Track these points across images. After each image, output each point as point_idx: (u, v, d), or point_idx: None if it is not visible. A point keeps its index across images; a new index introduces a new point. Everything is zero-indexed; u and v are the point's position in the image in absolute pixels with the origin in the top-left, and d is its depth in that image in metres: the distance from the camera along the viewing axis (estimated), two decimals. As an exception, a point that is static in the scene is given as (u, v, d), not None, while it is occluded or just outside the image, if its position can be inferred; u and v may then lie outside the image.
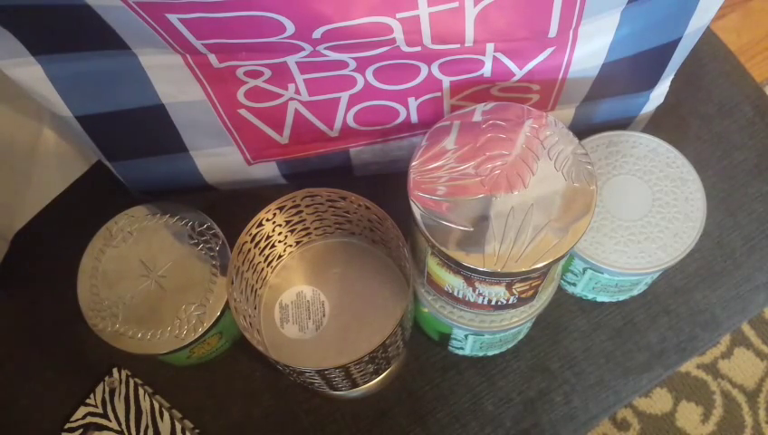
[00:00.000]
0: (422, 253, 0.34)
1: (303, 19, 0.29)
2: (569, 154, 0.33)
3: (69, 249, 0.40)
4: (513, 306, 0.35)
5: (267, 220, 0.36)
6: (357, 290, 0.38)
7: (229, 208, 0.40)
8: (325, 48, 0.32)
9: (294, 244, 0.40)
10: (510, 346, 0.44)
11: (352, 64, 0.34)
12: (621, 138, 0.42)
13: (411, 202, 0.31)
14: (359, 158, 0.42)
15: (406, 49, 0.32)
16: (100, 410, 0.42)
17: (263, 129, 0.39)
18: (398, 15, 0.30)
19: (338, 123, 0.39)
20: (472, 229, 0.31)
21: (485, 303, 0.34)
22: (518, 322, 0.38)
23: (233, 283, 0.34)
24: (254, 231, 0.36)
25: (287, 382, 0.44)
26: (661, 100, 0.44)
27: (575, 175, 0.32)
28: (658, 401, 0.90)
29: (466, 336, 0.40)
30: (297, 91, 0.36)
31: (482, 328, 0.38)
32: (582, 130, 0.40)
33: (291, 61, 0.33)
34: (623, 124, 0.45)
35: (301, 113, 0.38)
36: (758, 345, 0.92)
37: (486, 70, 0.35)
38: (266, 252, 0.38)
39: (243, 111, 0.37)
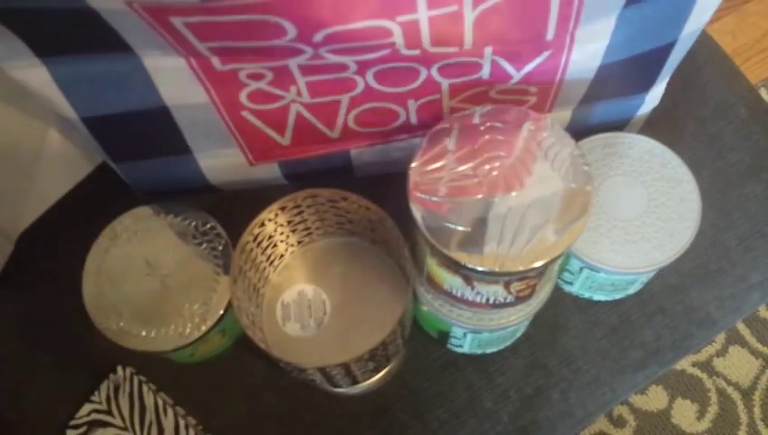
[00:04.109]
0: (421, 253, 0.34)
1: (305, 23, 0.29)
2: (566, 156, 0.33)
3: (74, 249, 0.41)
4: (511, 305, 0.36)
5: (269, 220, 0.37)
6: (357, 289, 0.39)
7: (232, 209, 0.40)
8: (326, 51, 0.32)
9: (296, 243, 0.40)
10: (508, 344, 0.44)
11: (353, 67, 0.34)
12: (617, 139, 0.43)
13: (411, 203, 0.32)
14: (359, 159, 0.43)
15: (405, 52, 0.33)
16: (104, 408, 0.43)
17: (265, 130, 0.39)
18: (398, 19, 0.30)
19: (339, 125, 0.39)
20: (470, 230, 0.31)
21: (484, 302, 0.35)
22: (516, 320, 0.38)
23: (235, 282, 0.35)
24: (256, 231, 0.36)
25: (289, 380, 0.44)
26: (657, 102, 0.45)
27: (572, 176, 0.32)
28: (654, 399, 0.91)
29: (465, 334, 0.40)
30: (299, 94, 0.36)
31: (480, 326, 0.38)
32: (579, 131, 0.40)
33: (292, 63, 0.34)
34: (619, 126, 0.46)
35: (302, 115, 0.38)
36: (753, 344, 0.93)
37: (485, 72, 0.36)
38: (268, 251, 0.38)
39: (245, 113, 0.37)
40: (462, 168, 0.33)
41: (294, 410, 0.44)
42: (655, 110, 0.45)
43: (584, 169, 0.33)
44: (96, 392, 0.43)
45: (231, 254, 0.40)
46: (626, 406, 0.90)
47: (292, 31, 0.30)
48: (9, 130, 0.42)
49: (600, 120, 0.44)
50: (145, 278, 0.40)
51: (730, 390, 0.91)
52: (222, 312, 0.39)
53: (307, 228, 0.39)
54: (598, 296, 0.45)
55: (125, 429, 0.42)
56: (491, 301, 0.35)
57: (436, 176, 0.32)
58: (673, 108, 0.50)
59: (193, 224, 0.41)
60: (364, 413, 0.44)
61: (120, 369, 0.44)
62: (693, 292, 0.46)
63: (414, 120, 0.39)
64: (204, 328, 0.39)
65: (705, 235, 0.47)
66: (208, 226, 0.41)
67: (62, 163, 0.46)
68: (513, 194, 0.32)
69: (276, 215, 0.37)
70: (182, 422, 0.43)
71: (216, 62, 0.33)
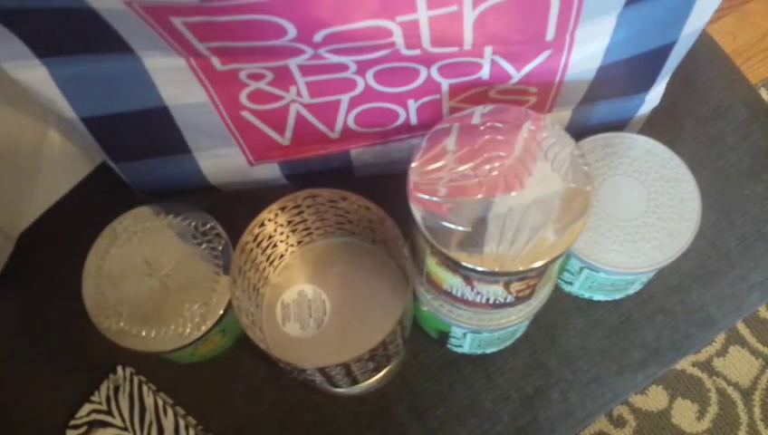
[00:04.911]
0: (421, 252, 0.34)
1: (305, 23, 0.30)
2: (566, 156, 0.33)
3: (74, 249, 0.41)
4: (511, 305, 0.36)
5: (269, 220, 0.37)
6: (357, 289, 0.39)
7: (232, 209, 0.40)
8: (326, 51, 0.32)
9: (296, 243, 0.40)
10: (508, 344, 0.45)
11: (353, 67, 0.34)
12: (617, 139, 0.43)
13: (411, 203, 0.32)
14: (359, 159, 0.43)
15: (405, 52, 0.33)
16: (104, 408, 0.43)
17: (265, 130, 0.39)
18: (398, 19, 0.30)
19: (339, 125, 0.39)
20: (470, 230, 0.31)
21: (484, 302, 0.35)
22: (516, 320, 0.38)
23: (235, 282, 0.35)
24: (256, 231, 0.36)
25: (289, 380, 0.44)
26: (657, 102, 0.45)
27: (572, 176, 0.32)
28: (654, 399, 0.91)
29: (465, 334, 0.40)
30: (298, 94, 0.36)
31: (480, 326, 0.38)
32: (579, 131, 0.40)
33: (292, 63, 0.34)
34: (619, 126, 0.46)
35: (302, 115, 0.38)
36: (753, 344, 0.93)
37: (484, 73, 0.36)
38: (268, 251, 0.38)
39: (245, 113, 0.38)
40: (462, 168, 0.33)
41: (294, 411, 0.44)
42: (655, 110, 0.45)
43: (584, 169, 0.33)
44: (96, 392, 0.43)
45: (231, 254, 0.41)
46: (626, 406, 0.90)
47: (292, 31, 0.30)
48: (9, 130, 0.42)
49: (599, 121, 0.44)
50: (145, 278, 0.40)
51: (730, 390, 0.91)
52: (222, 312, 0.39)
53: (307, 228, 0.39)
54: (598, 296, 0.45)
55: (125, 429, 0.42)
56: (491, 301, 0.35)
57: (436, 176, 0.33)
58: (673, 108, 0.50)
59: (193, 224, 0.41)
60: (364, 413, 0.44)
61: (120, 369, 0.44)
62: (693, 292, 0.46)
63: (414, 120, 0.39)
64: (204, 328, 0.39)
65: (704, 235, 0.47)
66: (208, 226, 0.41)
67: (62, 163, 0.46)
68: (513, 194, 0.32)
69: (276, 215, 0.37)
70: (182, 422, 0.43)
71: (215, 62, 0.33)
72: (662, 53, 0.39)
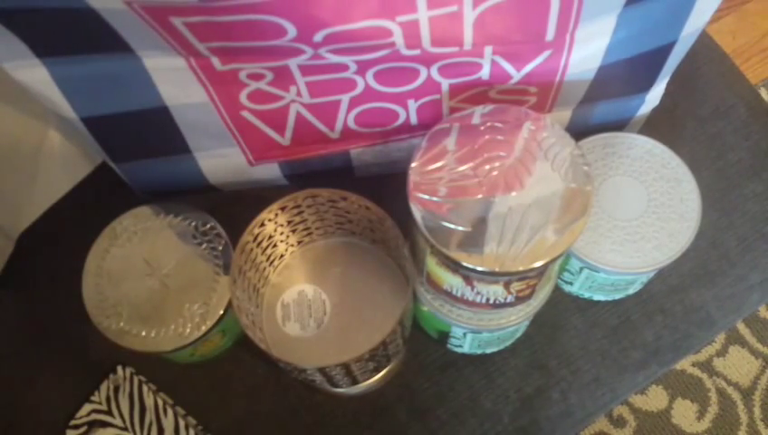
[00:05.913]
0: (421, 252, 0.34)
1: (305, 23, 0.30)
2: (566, 155, 0.33)
3: (74, 249, 0.41)
4: (511, 305, 0.36)
5: (269, 220, 0.37)
6: (357, 289, 0.39)
7: (232, 209, 0.40)
8: (326, 51, 0.32)
9: (296, 243, 0.40)
10: (508, 344, 0.45)
11: (353, 67, 0.34)
12: (617, 139, 0.43)
13: (411, 203, 0.32)
14: (359, 159, 0.43)
15: (405, 52, 0.33)
16: (104, 408, 0.43)
17: (265, 130, 0.39)
18: (398, 19, 0.30)
19: (339, 125, 0.39)
20: (470, 230, 0.31)
21: (484, 302, 0.35)
22: (516, 320, 0.38)
23: (235, 282, 0.35)
24: (256, 231, 0.36)
25: (289, 380, 0.44)
26: (657, 102, 0.45)
27: (572, 176, 0.32)
28: (654, 399, 0.91)
29: (465, 334, 0.40)
30: (299, 94, 0.36)
31: (480, 326, 0.38)
32: (579, 131, 0.40)
33: (292, 63, 0.34)
34: (619, 126, 0.46)
35: (302, 115, 0.38)
36: (753, 344, 0.93)
37: (485, 72, 0.36)
38: (268, 251, 0.38)
39: (245, 113, 0.38)
40: (462, 168, 0.33)
41: (294, 411, 0.44)
42: (655, 110, 0.45)
43: (584, 169, 0.33)
44: (96, 392, 0.43)
45: (231, 254, 0.41)
46: (626, 406, 0.90)
47: (292, 31, 0.30)
48: (9, 130, 0.42)
49: (600, 120, 0.44)
50: (145, 278, 0.40)
51: (730, 390, 0.91)
52: (222, 312, 0.39)
53: (307, 228, 0.39)
54: (598, 296, 0.45)
55: (125, 429, 0.42)
56: (491, 301, 0.35)
57: (436, 176, 0.33)
58: (673, 108, 0.50)
59: (193, 224, 0.41)
60: (364, 413, 0.44)
61: (120, 369, 0.44)
62: (693, 292, 0.46)
63: (414, 120, 0.39)
64: (204, 328, 0.39)
65: (704, 235, 0.47)
66: (208, 226, 0.41)
67: (62, 163, 0.46)
68: (513, 194, 0.32)
69: (276, 215, 0.37)
70: (182, 422, 0.43)
71: (215, 62, 0.33)
72: (662, 53, 0.39)
